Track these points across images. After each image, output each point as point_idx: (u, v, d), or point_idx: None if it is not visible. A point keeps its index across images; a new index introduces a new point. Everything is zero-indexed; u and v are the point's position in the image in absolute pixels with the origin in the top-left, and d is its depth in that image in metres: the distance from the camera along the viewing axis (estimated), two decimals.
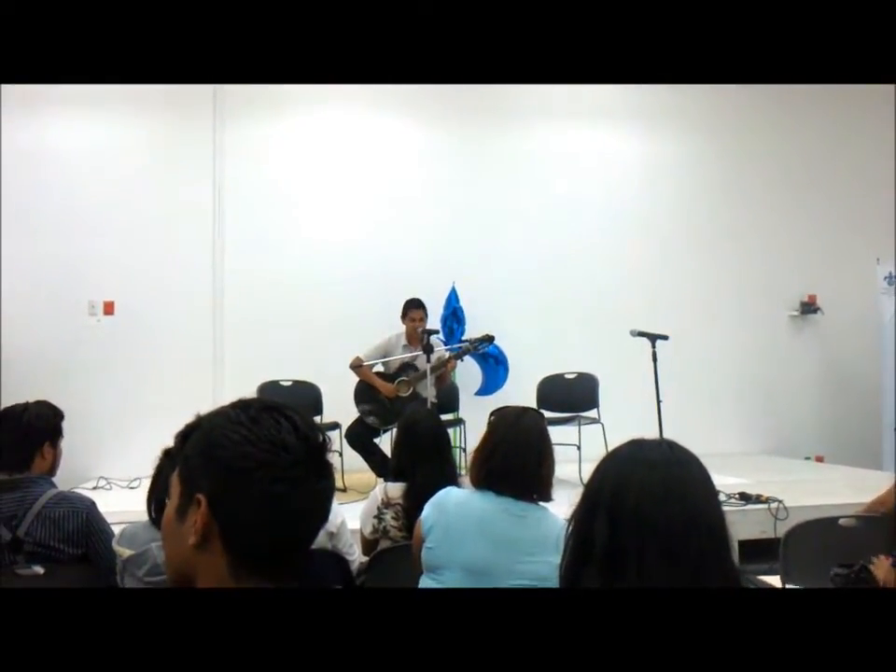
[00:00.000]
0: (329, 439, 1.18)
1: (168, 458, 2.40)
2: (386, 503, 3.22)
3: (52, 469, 2.98)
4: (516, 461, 2.49)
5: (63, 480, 3.18)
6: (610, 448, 1.37)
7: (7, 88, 6.43)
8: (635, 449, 1.32)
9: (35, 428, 2.90)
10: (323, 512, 1.16)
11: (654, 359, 5.41)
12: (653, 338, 5.45)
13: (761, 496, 4.90)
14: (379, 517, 3.22)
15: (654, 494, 1.23)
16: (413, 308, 6.02)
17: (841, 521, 3.35)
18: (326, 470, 1.15)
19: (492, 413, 2.78)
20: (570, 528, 1.31)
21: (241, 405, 1.14)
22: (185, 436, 1.17)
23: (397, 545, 3.08)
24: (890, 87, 7.12)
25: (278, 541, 1.10)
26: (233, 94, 6.86)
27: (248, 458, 1.08)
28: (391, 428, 5.85)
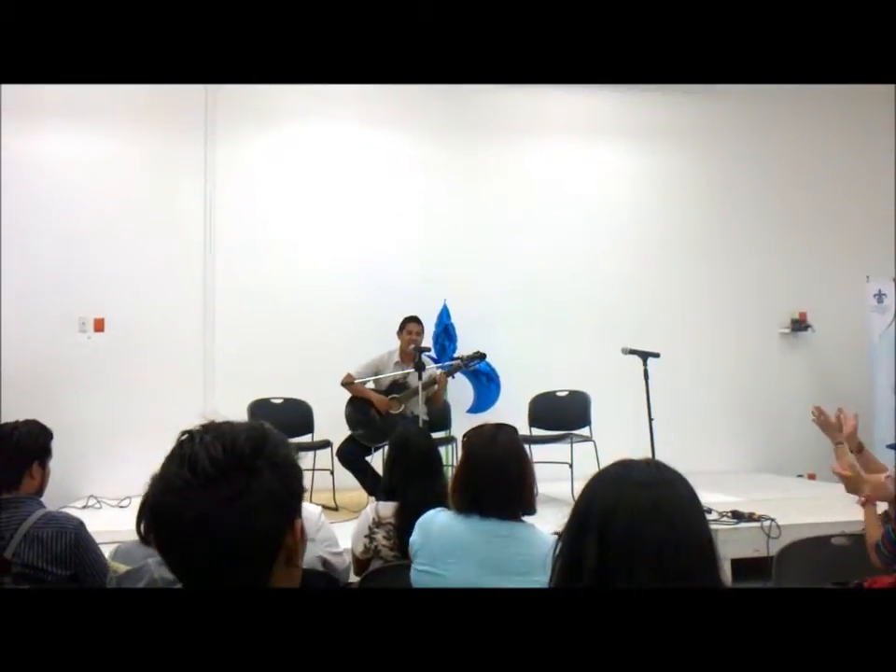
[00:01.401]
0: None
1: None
2: (378, 522, 3.20)
3: (41, 489, 2.96)
4: (497, 482, 2.48)
5: (53, 498, 3.16)
6: (603, 466, 1.37)
7: None
8: (623, 469, 1.32)
9: (24, 448, 2.88)
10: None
11: (646, 377, 5.41)
12: (645, 356, 5.45)
13: (753, 514, 4.88)
14: (370, 536, 3.20)
15: (643, 514, 1.23)
16: (411, 322, 6.04)
17: (834, 539, 3.34)
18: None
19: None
20: (559, 548, 1.30)
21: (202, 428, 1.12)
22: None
23: (388, 565, 3.06)
24: (883, 105, 7.19)
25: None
26: (225, 109, 6.87)
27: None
28: (382, 446, 5.84)
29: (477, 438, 2.66)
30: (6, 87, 6.39)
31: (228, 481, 1.04)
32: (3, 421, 3.00)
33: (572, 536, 1.28)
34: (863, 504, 2.94)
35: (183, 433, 1.11)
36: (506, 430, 2.71)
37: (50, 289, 6.55)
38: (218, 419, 1.14)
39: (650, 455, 4.46)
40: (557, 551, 1.30)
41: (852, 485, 2.99)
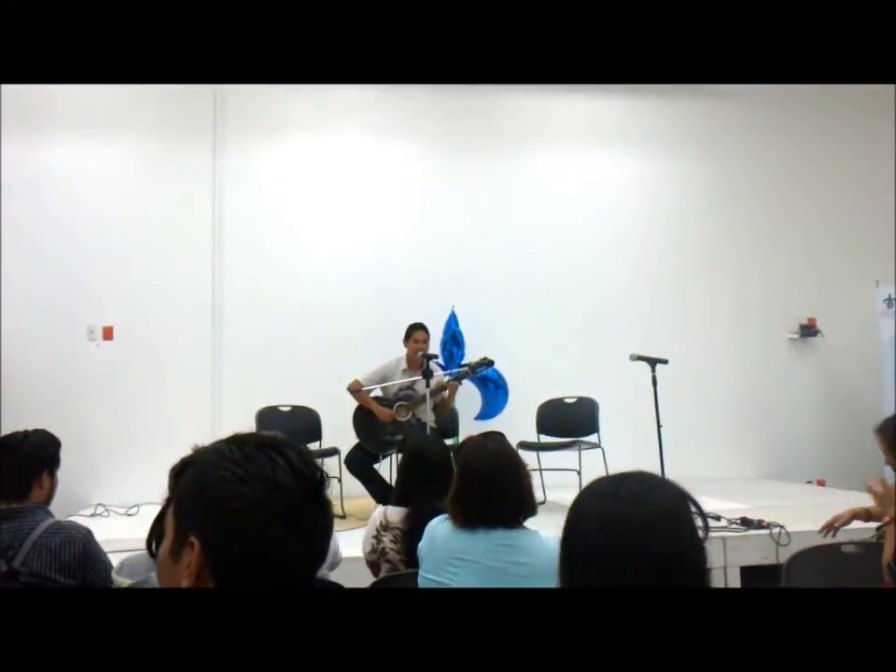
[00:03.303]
0: (327, 475, 1.14)
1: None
2: (385, 526, 3.22)
3: (49, 498, 2.96)
4: (495, 492, 2.49)
5: (61, 506, 3.16)
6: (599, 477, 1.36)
7: (6, 110, 6.47)
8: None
9: (33, 457, 2.89)
10: (321, 553, 1.13)
11: (654, 383, 5.40)
12: (653, 362, 5.44)
13: (762, 521, 4.86)
14: (378, 538, 3.22)
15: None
16: (417, 330, 6.03)
17: (844, 547, 3.33)
18: (323, 509, 1.12)
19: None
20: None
21: (236, 441, 1.11)
22: (178, 472, 1.14)
23: (398, 573, 3.07)
24: (887, 112, 7.18)
25: (274, 585, 1.06)
26: (233, 118, 6.90)
27: (242, 499, 1.05)
28: (390, 454, 5.84)
29: (467, 450, 2.67)
30: (15, 96, 6.44)
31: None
32: (12, 428, 3.00)
33: (560, 546, 1.29)
34: (888, 523, 2.92)
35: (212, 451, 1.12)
36: (494, 437, 2.73)
37: (60, 297, 6.58)
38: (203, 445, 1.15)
39: (658, 463, 4.45)
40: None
41: (884, 502, 2.97)
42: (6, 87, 6.57)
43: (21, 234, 6.52)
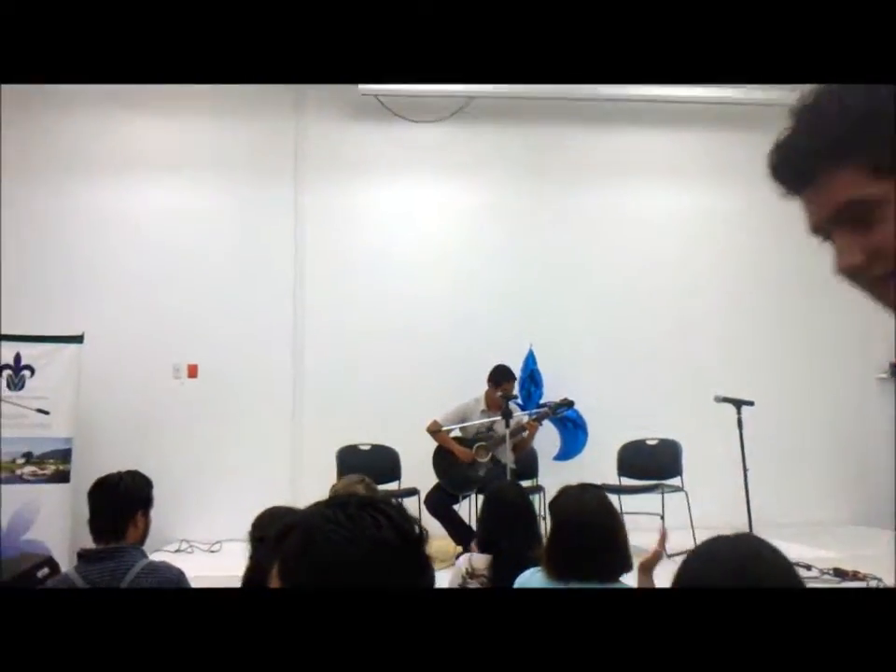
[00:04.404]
0: (426, 531, 1.17)
1: (260, 544, 2.40)
2: (472, 573, 3.20)
3: (143, 538, 3.02)
4: (591, 546, 2.45)
5: (147, 542, 3.22)
6: (695, 519, 1.37)
7: (89, 156, 6.74)
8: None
9: (129, 498, 2.95)
10: None
11: (740, 426, 5.28)
12: (738, 403, 5.32)
13: (857, 572, 4.67)
14: (463, 585, 3.20)
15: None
16: (508, 380, 5.99)
17: None
18: (426, 565, 1.15)
19: (550, 503, 2.73)
20: None
21: (337, 503, 1.14)
22: (281, 536, 1.17)
23: None
24: None
25: None
26: (313, 156, 7.04)
27: (351, 558, 1.07)
28: (469, 495, 5.81)
29: (564, 501, 2.63)
30: (102, 139, 6.71)
31: None
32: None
33: None
34: None
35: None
36: (591, 490, 2.68)
37: (146, 336, 6.75)
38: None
39: (744, 507, 4.38)
40: None
41: None
42: (100, 132, 6.85)
43: (108, 273, 6.75)
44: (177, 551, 5.85)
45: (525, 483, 5.84)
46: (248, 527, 2.74)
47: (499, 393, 5.86)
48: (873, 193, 0.86)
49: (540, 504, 5.99)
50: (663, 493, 5.84)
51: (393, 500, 1.20)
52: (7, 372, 5.80)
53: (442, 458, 5.91)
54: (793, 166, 0.91)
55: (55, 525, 5.59)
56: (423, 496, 5.85)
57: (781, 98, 7.22)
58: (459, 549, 5.33)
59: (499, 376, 6.01)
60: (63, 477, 5.76)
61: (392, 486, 6.06)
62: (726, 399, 5.36)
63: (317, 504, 1.17)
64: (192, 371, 6.82)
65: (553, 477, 5.94)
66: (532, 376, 6.85)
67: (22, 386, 5.80)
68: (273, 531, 1.20)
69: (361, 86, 6.71)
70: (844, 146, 0.86)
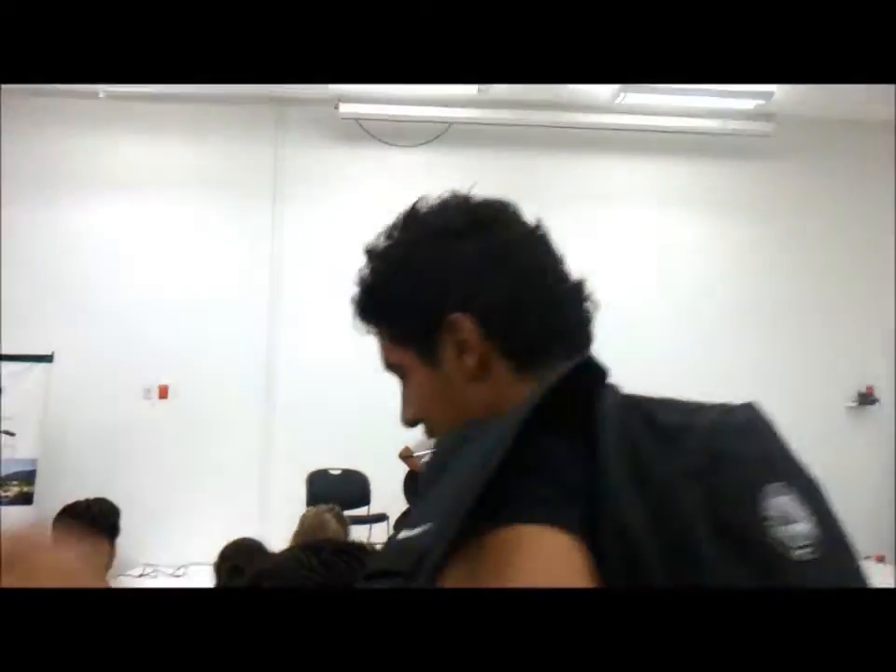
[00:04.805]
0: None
1: (230, 580, 2.36)
2: None
3: (107, 567, 2.97)
4: None
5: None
6: None
7: (62, 172, 6.68)
8: None
9: (96, 527, 2.90)
10: None
11: None
12: None
13: None
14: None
15: None
16: None
17: None
18: None
19: None
20: None
21: (311, 549, 1.14)
22: (257, 582, 1.15)
23: None
24: None
25: None
26: (291, 175, 7.01)
27: None
28: None
29: None
30: (71, 156, 6.65)
31: None
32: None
33: None
34: None
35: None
36: None
37: (116, 355, 6.67)
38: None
39: None
40: None
41: None
42: (73, 149, 6.79)
43: (77, 293, 6.67)
44: (141, 575, 5.77)
45: None
46: (215, 555, 2.70)
47: None
48: (398, 359, 0.98)
49: None
50: None
51: (366, 544, 1.19)
52: None
53: (414, 483, 5.88)
54: (358, 314, 1.05)
55: None
56: (392, 521, 5.81)
57: (758, 129, 7.33)
58: None
59: None
60: (26, 499, 5.66)
61: (361, 511, 6.01)
62: None
63: (292, 549, 1.16)
64: (163, 392, 6.75)
65: None
66: None
67: None
68: (242, 563, 1.19)
69: (342, 109, 6.72)
70: (376, 316, 1.01)
